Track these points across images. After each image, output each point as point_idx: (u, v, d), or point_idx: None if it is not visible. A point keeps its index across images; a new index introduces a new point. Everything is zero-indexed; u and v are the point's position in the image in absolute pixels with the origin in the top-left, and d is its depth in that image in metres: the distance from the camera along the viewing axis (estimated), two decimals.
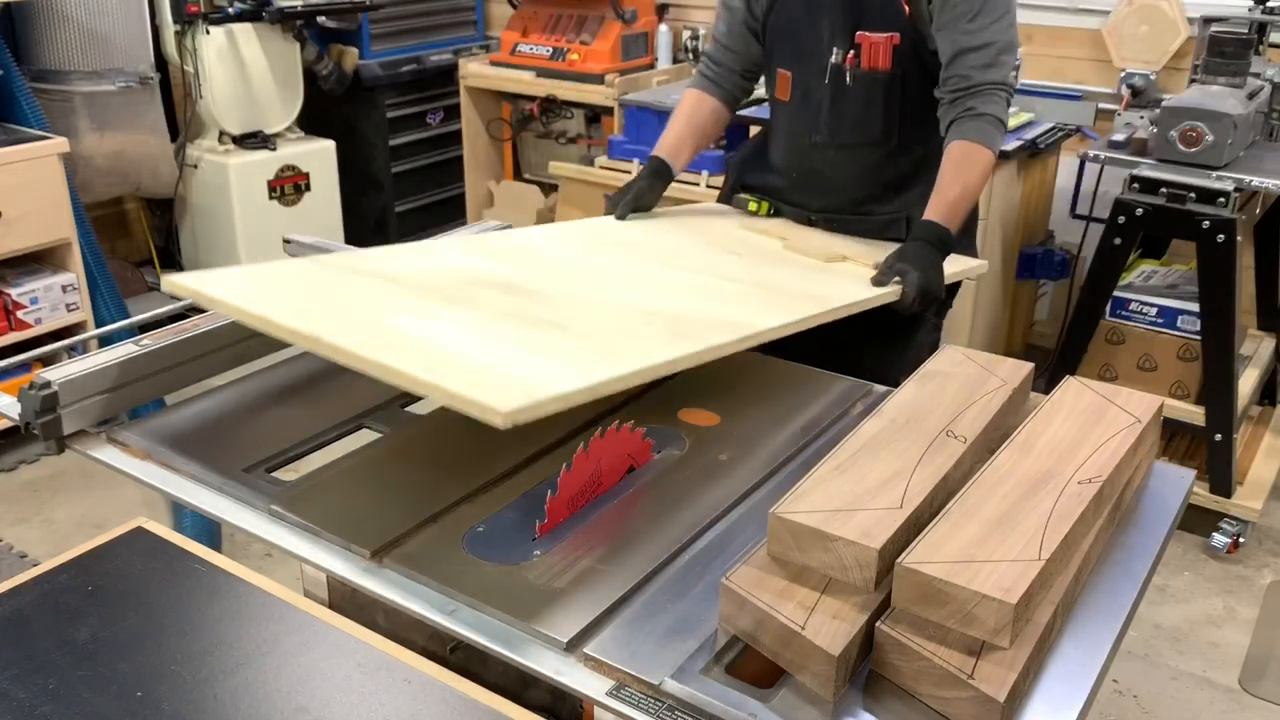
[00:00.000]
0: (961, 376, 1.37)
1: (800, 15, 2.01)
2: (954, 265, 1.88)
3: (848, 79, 1.96)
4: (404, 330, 1.29)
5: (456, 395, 1.08)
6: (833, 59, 1.96)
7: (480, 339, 1.30)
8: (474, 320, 1.36)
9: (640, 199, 2.04)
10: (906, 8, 1.89)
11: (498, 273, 1.59)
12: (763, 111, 2.40)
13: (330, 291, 1.45)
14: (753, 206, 2.16)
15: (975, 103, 1.88)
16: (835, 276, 1.80)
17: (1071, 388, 1.35)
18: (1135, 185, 2.86)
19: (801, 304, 1.57)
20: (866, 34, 1.92)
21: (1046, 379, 3.08)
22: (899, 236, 1.95)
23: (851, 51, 1.94)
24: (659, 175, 2.09)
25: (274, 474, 1.38)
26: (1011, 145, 3.18)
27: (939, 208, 1.86)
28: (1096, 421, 1.26)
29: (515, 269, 1.62)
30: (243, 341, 1.63)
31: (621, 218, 2.01)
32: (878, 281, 1.74)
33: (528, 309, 1.43)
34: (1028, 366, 1.41)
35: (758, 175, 2.20)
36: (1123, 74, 3.36)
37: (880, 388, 1.60)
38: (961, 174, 1.88)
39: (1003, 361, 1.42)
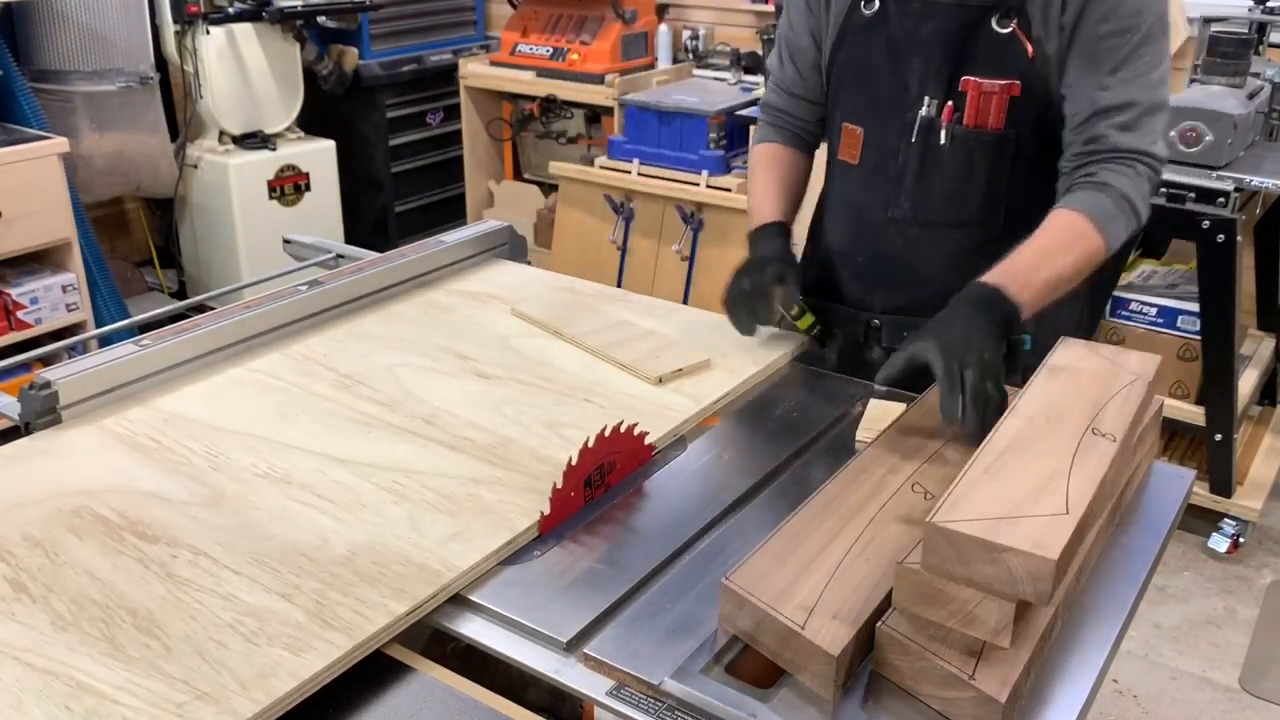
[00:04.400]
0: (1089, 371, 1.29)
1: (878, 56, 1.59)
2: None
3: (943, 138, 1.55)
4: None
5: None
6: (923, 111, 1.55)
7: (6, 696, 0.96)
8: (21, 642, 1.02)
9: (788, 299, 1.59)
10: (1030, 48, 1.48)
11: (125, 491, 1.27)
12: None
13: None
14: (794, 312, 1.63)
15: (1100, 170, 1.48)
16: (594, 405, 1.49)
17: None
18: None
19: (541, 492, 1.24)
20: (975, 80, 1.51)
21: None
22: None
23: (950, 103, 1.53)
24: (784, 244, 1.66)
25: None
26: None
27: (1005, 272, 1.40)
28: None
29: (152, 477, 1.30)
30: (243, 341, 1.63)
31: (775, 320, 1.62)
32: (884, 377, 1.37)
33: (123, 591, 1.09)
34: (1156, 358, 1.32)
35: (815, 262, 1.79)
36: None
37: (880, 387, 1.59)
38: (1051, 246, 1.44)
39: (1128, 354, 1.33)
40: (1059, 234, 1.46)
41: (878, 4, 1.59)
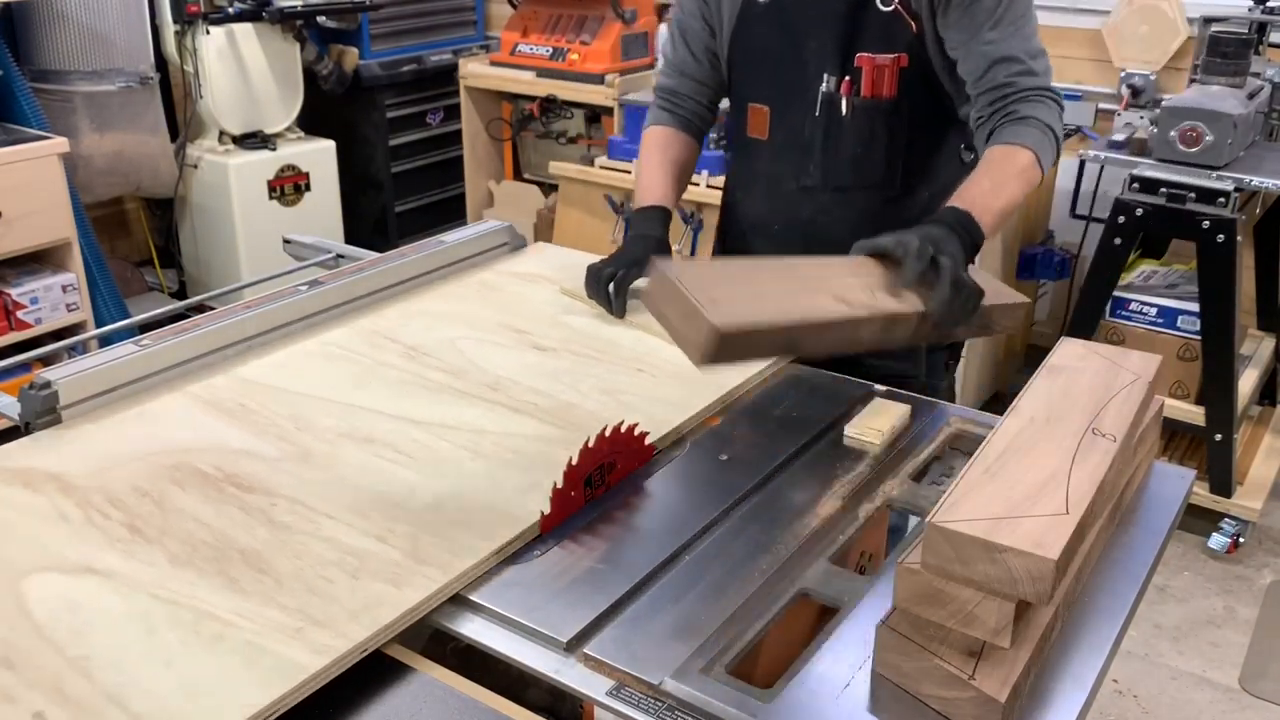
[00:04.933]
0: (1090, 370, 1.29)
1: (775, 39, 1.72)
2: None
3: (844, 110, 1.69)
4: (32, 617, 1.05)
5: None
6: (823, 87, 1.69)
7: (134, 629, 1.04)
8: (144, 577, 1.11)
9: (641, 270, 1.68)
10: (914, 24, 1.62)
11: (219, 449, 1.35)
12: None
13: None
14: None
15: (1018, 107, 1.59)
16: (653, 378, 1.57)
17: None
18: (1135, 185, 2.86)
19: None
20: (868, 55, 1.65)
21: None
22: None
23: (848, 78, 1.67)
24: (663, 231, 1.77)
25: None
26: None
27: (963, 198, 1.49)
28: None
29: (243, 437, 1.39)
30: (244, 341, 1.63)
31: (621, 315, 1.69)
32: (861, 248, 1.37)
33: (230, 534, 1.18)
34: (1156, 358, 1.33)
35: (729, 234, 1.93)
36: (1123, 74, 3.36)
37: (880, 387, 1.59)
38: (993, 172, 1.54)
39: (1128, 354, 1.34)
40: (1005, 165, 1.55)
41: None
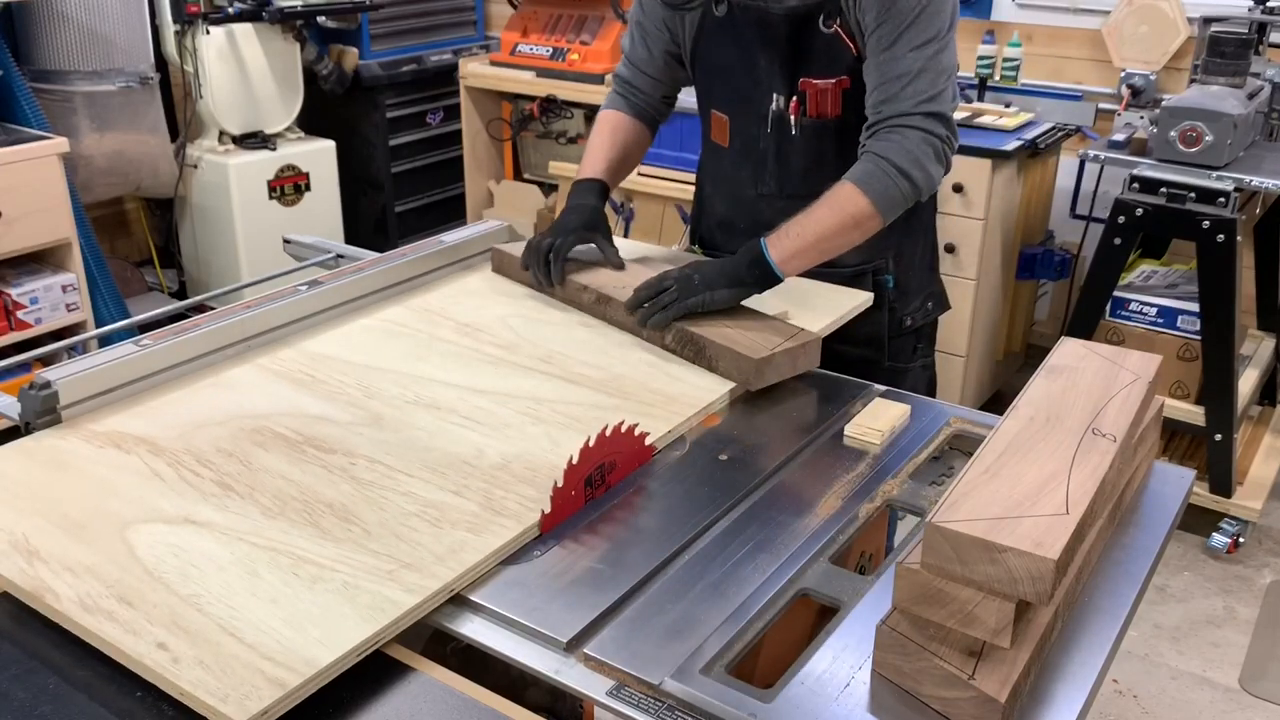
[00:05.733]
0: (1090, 371, 1.29)
1: (732, 55, 1.77)
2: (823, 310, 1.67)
3: (793, 129, 1.74)
4: (142, 562, 1.12)
5: (187, 695, 0.95)
6: (774, 106, 1.74)
7: (238, 571, 1.11)
8: (241, 527, 1.18)
9: (584, 240, 1.79)
10: (853, 46, 1.65)
11: (295, 414, 1.43)
12: None
13: (74, 488, 1.26)
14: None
15: (873, 142, 1.63)
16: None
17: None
18: (1135, 185, 2.86)
19: (659, 418, 1.44)
20: (812, 81, 1.70)
21: None
22: (867, 288, 1.80)
23: (795, 98, 1.72)
24: (599, 202, 1.84)
25: None
26: (1011, 145, 3.18)
27: (776, 231, 1.62)
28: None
29: (316, 403, 1.46)
30: (243, 341, 1.63)
31: (560, 282, 1.76)
32: (637, 293, 1.61)
33: (316, 489, 1.25)
34: (1156, 358, 1.33)
35: (703, 224, 2.02)
36: (1123, 74, 3.36)
37: (879, 387, 1.59)
38: (817, 209, 1.62)
39: (1128, 354, 1.34)
40: (827, 199, 1.63)
41: (727, 7, 1.74)
